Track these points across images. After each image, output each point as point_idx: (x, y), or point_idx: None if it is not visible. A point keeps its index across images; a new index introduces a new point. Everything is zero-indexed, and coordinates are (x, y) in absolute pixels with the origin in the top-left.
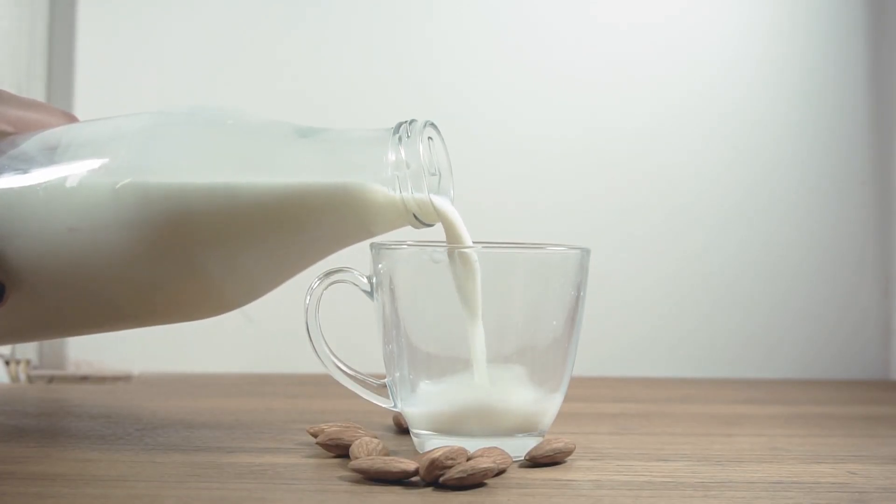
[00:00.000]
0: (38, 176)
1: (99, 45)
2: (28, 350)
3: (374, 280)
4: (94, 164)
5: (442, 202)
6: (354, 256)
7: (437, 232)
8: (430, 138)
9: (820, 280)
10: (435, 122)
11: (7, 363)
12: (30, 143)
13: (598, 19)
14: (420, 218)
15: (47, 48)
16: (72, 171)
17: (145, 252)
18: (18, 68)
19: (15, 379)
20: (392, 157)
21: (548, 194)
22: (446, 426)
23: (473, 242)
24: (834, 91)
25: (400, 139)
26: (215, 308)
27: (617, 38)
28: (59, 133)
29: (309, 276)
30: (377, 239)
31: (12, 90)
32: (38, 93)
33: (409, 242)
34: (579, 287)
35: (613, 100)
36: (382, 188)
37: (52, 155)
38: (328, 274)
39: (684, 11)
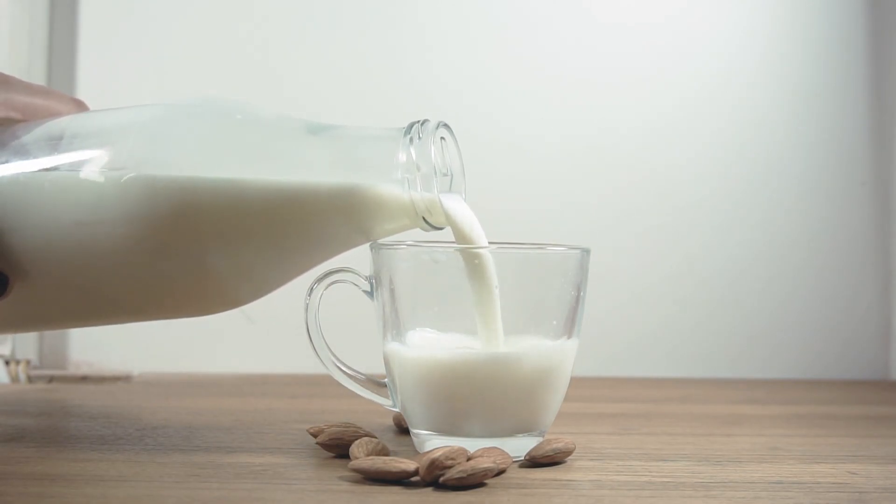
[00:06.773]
0: (43, 167)
1: (99, 46)
2: (28, 350)
3: (373, 280)
4: (100, 155)
5: (452, 204)
6: (354, 256)
7: (444, 234)
8: (442, 139)
9: (820, 280)
10: (448, 123)
11: (7, 363)
12: (34, 134)
13: (598, 20)
14: (429, 221)
15: (47, 48)
16: (77, 163)
17: (150, 246)
18: (19, 68)
19: (15, 379)
20: (402, 157)
21: (548, 194)
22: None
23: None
24: (834, 92)
25: (411, 140)
26: (220, 304)
27: (617, 39)
28: (63, 123)
29: (309, 276)
30: None
31: None
32: None
33: (408, 242)
34: (579, 287)
35: (614, 101)
36: (392, 189)
37: (57, 145)
38: (328, 274)
39: (685, 13)
